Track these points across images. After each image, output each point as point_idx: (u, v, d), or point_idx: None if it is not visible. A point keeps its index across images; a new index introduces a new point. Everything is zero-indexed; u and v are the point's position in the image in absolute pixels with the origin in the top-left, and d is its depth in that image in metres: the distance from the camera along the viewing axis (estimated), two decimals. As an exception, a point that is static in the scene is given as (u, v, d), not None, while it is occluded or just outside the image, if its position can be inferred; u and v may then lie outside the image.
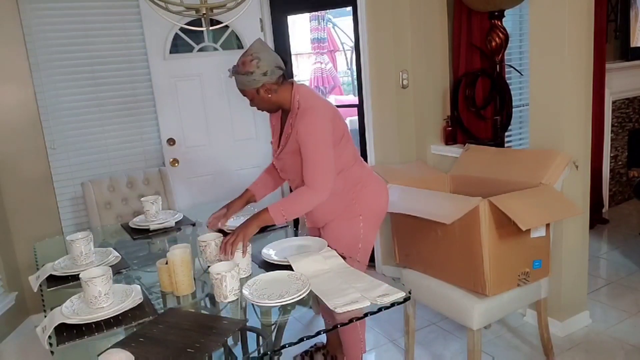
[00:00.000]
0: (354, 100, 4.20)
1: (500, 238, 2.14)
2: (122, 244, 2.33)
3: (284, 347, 1.45)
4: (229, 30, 3.53)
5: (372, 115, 3.36)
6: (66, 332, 1.51)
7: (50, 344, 1.46)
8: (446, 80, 3.29)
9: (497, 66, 2.98)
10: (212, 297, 1.69)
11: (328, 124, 2.00)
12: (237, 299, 1.64)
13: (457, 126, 3.21)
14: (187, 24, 2.94)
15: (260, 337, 1.57)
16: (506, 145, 3.20)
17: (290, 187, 2.33)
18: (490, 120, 3.17)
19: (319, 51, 6.71)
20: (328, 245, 1.99)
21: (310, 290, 1.64)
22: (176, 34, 3.36)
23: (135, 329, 1.51)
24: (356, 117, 3.60)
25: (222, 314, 1.63)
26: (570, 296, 2.67)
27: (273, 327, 1.60)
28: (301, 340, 1.43)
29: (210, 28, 2.11)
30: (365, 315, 1.53)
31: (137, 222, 2.53)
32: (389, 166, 3.12)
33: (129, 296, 1.64)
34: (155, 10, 2.01)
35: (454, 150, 3.12)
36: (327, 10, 6.20)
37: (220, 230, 2.18)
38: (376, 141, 3.40)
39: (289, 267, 1.81)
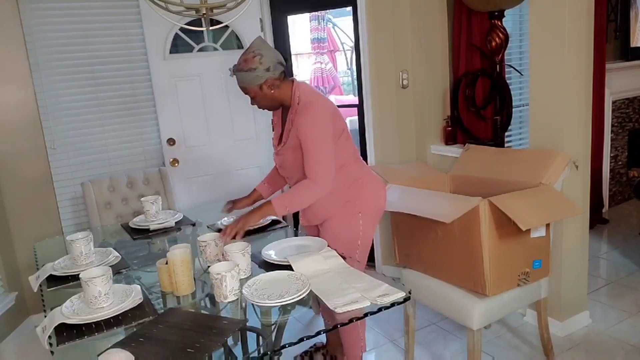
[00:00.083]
0: (354, 100, 4.19)
1: (500, 238, 2.14)
2: (122, 244, 2.33)
3: (284, 347, 1.45)
4: (229, 30, 3.53)
5: (372, 115, 3.36)
6: (66, 332, 1.51)
7: (50, 344, 1.46)
8: (446, 80, 3.29)
9: (497, 66, 2.98)
10: (212, 297, 1.68)
11: (328, 119, 2.01)
12: (237, 299, 1.64)
13: (457, 126, 3.21)
14: (187, 24, 2.94)
15: (260, 337, 1.57)
16: (506, 145, 3.20)
17: (289, 185, 2.34)
18: (490, 120, 3.17)
19: (319, 51, 6.71)
20: (328, 245, 1.99)
21: (310, 290, 1.64)
22: (176, 34, 3.36)
23: (135, 329, 1.50)
24: (356, 117, 3.60)
25: (222, 314, 1.63)
26: (570, 296, 2.67)
27: (273, 327, 1.60)
28: (301, 340, 1.43)
29: (210, 28, 2.11)
30: (365, 315, 1.53)
31: (137, 222, 2.53)
32: (389, 166, 3.12)
33: (129, 296, 1.64)
34: (155, 10, 2.01)
35: (454, 150, 3.12)
36: (327, 10, 6.20)
37: (220, 230, 2.18)
38: (376, 141, 3.40)
39: (289, 267, 1.81)
